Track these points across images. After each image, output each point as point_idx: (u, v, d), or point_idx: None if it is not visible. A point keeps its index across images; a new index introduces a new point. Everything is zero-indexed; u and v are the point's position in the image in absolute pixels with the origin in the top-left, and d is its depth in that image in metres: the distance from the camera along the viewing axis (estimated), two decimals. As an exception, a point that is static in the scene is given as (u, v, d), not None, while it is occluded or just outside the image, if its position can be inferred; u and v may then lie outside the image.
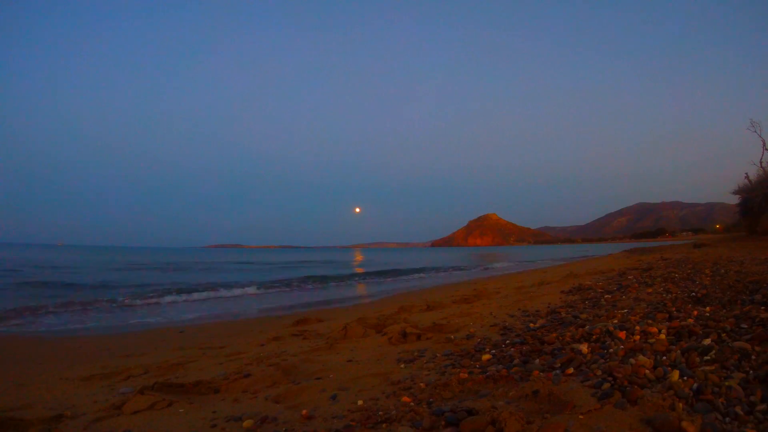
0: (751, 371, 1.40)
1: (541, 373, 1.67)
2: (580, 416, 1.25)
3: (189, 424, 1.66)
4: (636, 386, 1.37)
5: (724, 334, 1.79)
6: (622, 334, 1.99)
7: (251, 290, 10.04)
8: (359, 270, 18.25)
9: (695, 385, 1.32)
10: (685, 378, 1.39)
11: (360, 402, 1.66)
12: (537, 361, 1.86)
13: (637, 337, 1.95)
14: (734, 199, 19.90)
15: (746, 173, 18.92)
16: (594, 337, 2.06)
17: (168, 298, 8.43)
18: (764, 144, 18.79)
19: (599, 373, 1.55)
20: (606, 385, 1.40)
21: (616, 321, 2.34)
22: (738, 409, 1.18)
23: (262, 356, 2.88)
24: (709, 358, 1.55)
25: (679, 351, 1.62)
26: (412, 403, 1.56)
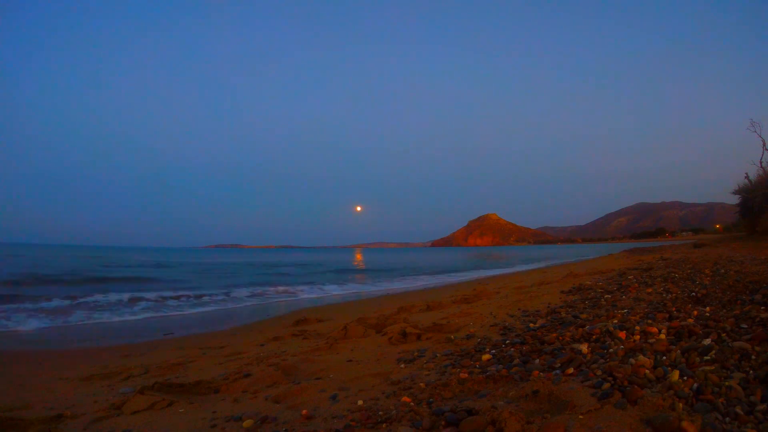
0: (751, 371, 1.40)
1: (541, 373, 1.67)
2: (580, 416, 1.25)
3: (189, 424, 1.66)
4: (636, 386, 1.37)
5: (724, 334, 1.79)
6: (622, 334, 1.99)
7: (250, 290, 10.04)
8: (359, 271, 18.23)
9: (695, 385, 1.32)
10: (685, 378, 1.39)
11: (360, 402, 1.66)
12: (537, 361, 1.86)
13: (637, 337, 1.95)
14: (734, 199, 19.86)
15: (746, 173, 18.88)
16: (594, 337, 2.06)
17: (172, 301, 8.42)
18: (764, 144, 18.78)
19: (599, 373, 1.55)
20: (606, 385, 1.40)
21: (616, 321, 2.33)
22: (738, 409, 1.18)
23: (262, 356, 2.88)
24: (709, 358, 1.55)
25: (679, 351, 1.62)
26: (412, 403, 1.56)
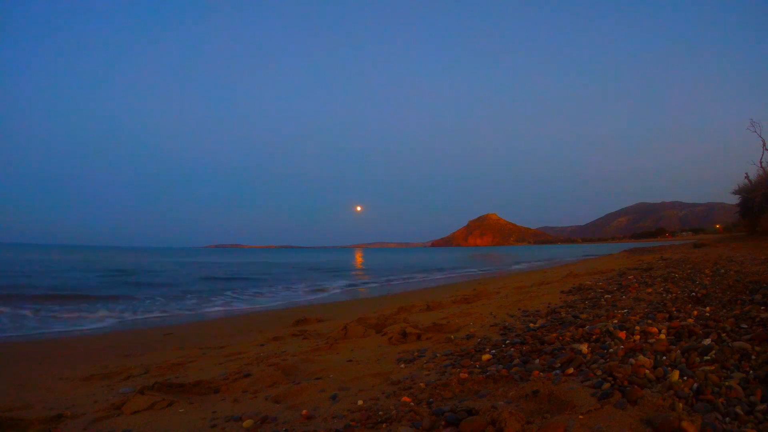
0: (751, 371, 1.40)
1: (541, 373, 1.67)
2: (580, 416, 1.25)
3: (189, 424, 1.66)
4: (636, 386, 1.37)
5: (724, 334, 1.79)
6: (622, 334, 1.99)
7: (252, 290, 10.04)
8: (359, 271, 18.22)
9: (695, 385, 1.32)
10: (685, 378, 1.39)
11: (360, 402, 1.66)
12: (537, 361, 1.86)
13: (637, 337, 1.95)
14: (734, 199, 19.87)
15: (746, 173, 18.86)
16: (594, 337, 2.06)
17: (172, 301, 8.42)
18: (764, 144, 18.76)
19: (599, 373, 1.55)
20: (606, 385, 1.40)
21: (616, 321, 2.33)
22: (738, 409, 1.18)
23: (262, 356, 2.88)
24: (709, 358, 1.55)
25: (679, 351, 1.62)
26: (412, 403, 1.56)
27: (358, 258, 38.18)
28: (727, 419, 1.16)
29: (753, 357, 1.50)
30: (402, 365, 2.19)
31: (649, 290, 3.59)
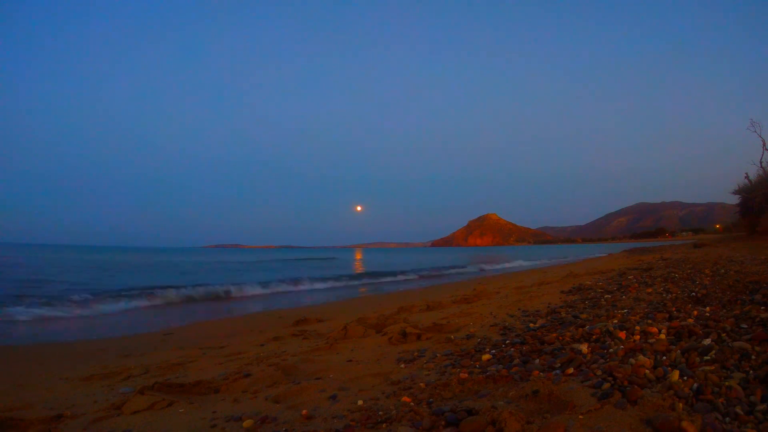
0: (751, 371, 1.40)
1: (541, 373, 1.67)
2: (580, 416, 1.25)
3: (189, 424, 1.66)
4: (636, 386, 1.37)
5: (724, 334, 1.79)
6: (622, 334, 1.99)
7: (252, 290, 10.03)
8: (359, 270, 18.26)
9: (695, 385, 1.32)
10: (685, 378, 1.39)
11: (360, 402, 1.66)
12: (537, 361, 1.86)
13: (637, 337, 1.95)
14: (734, 199, 19.90)
15: (746, 173, 18.90)
16: (594, 337, 2.06)
17: (170, 298, 8.42)
18: (764, 144, 18.77)
19: (599, 373, 1.55)
20: (606, 385, 1.40)
21: (616, 321, 2.33)
22: (738, 409, 1.18)
23: (262, 356, 2.88)
24: (709, 358, 1.55)
25: (679, 351, 1.62)
26: (412, 403, 1.56)
27: (358, 258, 38.20)
28: (727, 419, 1.16)
29: (753, 357, 1.50)
30: (402, 365, 2.19)
31: (649, 290, 3.59)
